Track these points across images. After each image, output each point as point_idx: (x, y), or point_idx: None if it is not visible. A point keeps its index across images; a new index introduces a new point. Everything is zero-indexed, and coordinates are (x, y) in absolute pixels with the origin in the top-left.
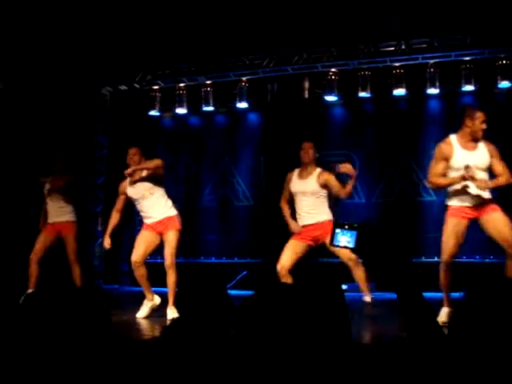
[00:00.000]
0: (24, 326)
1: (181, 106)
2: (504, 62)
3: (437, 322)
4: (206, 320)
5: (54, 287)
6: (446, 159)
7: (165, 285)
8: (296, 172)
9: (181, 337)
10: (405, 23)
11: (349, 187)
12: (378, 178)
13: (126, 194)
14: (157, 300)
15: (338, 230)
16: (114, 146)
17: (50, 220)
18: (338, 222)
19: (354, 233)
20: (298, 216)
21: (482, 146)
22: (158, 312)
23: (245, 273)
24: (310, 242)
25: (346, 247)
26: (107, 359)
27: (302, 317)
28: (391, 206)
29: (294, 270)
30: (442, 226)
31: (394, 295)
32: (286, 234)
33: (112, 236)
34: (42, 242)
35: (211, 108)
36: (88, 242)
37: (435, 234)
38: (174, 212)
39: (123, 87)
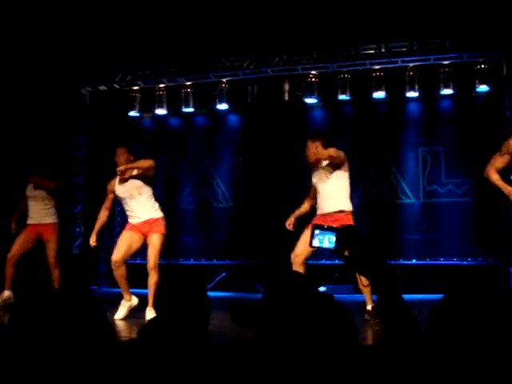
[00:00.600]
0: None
1: (161, 106)
2: (482, 66)
3: (417, 325)
4: (184, 321)
5: (45, 289)
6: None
7: (144, 286)
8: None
9: (158, 338)
10: (385, 27)
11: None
12: (357, 180)
13: (114, 192)
14: (134, 301)
15: (317, 231)
16: (93, 146)
17: (31, 221)
18: (318, 224)
19: (334, 234)
20: (317, 206)
21: None
22: (136, 313)
23: (224, 274)
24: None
25: (324, 248)
26: (97, 360)
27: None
28: (370, 208)
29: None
30: (420, 227)
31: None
32: (265, 236)
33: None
34: (21, 244)
35: (191, 109)
36: (67, 243)
37: (413, 236)
38: (160, 214)
39: (103, 87)
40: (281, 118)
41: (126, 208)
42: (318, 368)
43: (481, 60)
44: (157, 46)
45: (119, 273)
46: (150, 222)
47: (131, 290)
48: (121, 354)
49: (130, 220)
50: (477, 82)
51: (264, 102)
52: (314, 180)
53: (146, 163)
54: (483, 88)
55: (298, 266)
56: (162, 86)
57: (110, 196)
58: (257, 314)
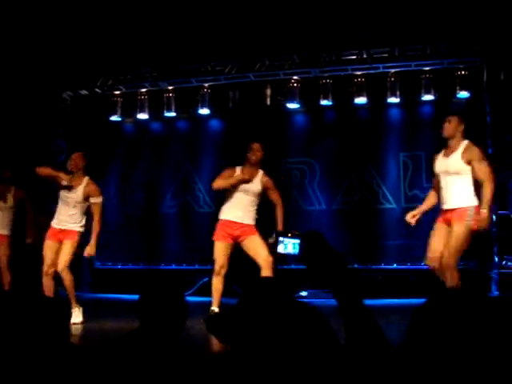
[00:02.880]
0: None
1: (142, 111)
2: (463, 72)
3: (380, 331)
4: (162, 326)
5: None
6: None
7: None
8: (238, 169)
9: (138, 344)
10: (366, 33)
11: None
12: (338, 185)
13: (60, 184)
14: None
15: (281, 238)
16: (73, 150)
17: None
18: (281, 230)
19: (298, 240)
20: (227, 210)
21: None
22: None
23: (206, 279)
24: (231, 241)
25: (290, 255)
26: (59, 366)
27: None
28: (351, 213)
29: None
30: (400, 233)
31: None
32: None
33: None
34: None
35: (173, 114)
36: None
37: (394, 240)
38: (80, 230)
39: (84, 92)
40: (263, 123)
41: (59, 208)
42: (296, 374)
43: (461, 66)
44: (139, 50)
45: (50, 283)
46: (67, 232)
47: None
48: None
49: (54, 222)
50: (457, 88)
51: (246, 106)
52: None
53: (96, 204)
54: (464, 94)
55: (222, 277)
56: (143, 90)
57: (54, 180)
58: (231, 323)
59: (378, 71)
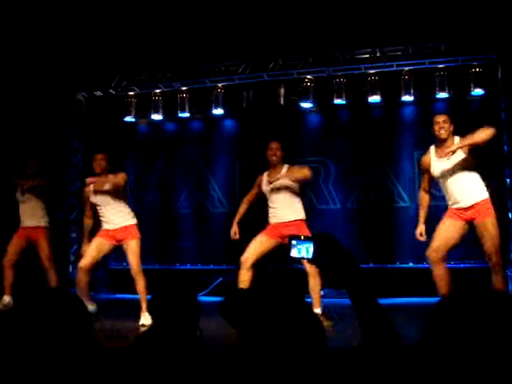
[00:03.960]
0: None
1: (156, 112)
2: (477, 69)
3: (393, 329)
4: (175, 326)
5: (32, 293)
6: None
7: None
8: (265, 174)
9: (152, 344)
10: (380, 31)
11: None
12: (353, 184)
13: (89, 199)
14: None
15: (294, 242)
16: (88, 151)
17: (22, 224)
18: (294, 235)
19: (311, 243)
20: (270, 214)
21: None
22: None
23: (220, 279)
24: (279, 240)
25: (303, 258)
26: (85, 367)
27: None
28: (366, 212)
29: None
30: (415, 231)
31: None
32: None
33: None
34: (14, 247)
35: (187, 114)
36: (62, 249)
37: (410, 239)
38: (134, 221)
39: (98, 93)
40: (276, 122)
41: (101, 215)
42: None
43: (476, 63)
44: (152, 51)
45: (84, 279)
46: (124, 229)
47: (119, 296)
48: (110, 361)
49: (105, 226)
50: (472, 85)
51: (260, 106)
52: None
53: (115, 180)
54: (478, 91)
55: (247, 271)
56: (157, 91)
57: (88, 203)
58: (242, 309)
59: (391, 69)
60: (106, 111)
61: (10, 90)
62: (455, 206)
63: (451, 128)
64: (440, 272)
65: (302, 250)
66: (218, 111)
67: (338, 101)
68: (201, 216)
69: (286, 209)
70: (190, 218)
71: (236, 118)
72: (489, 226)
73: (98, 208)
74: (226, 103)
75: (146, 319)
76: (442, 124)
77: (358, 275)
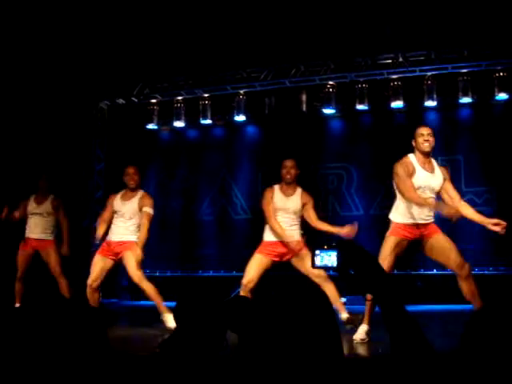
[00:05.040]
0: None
1: (178, 119)
2: (501, 74)
3: (422, 335)
4: (202, 334)
5: (45, 301)
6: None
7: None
8: (277, 188)
9: (178, 351)
10: (402, 36)
11: (324, 227)
12: (376, 190)
13: (112, 205)
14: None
15: (317, 252)
16: (111, 159)
17: (29, 235)
18: (317, 244)
19: (335, 252)
20: (270, 231)
21: (437, 169)
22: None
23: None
24: (275, 258)
25: (328, 267)
26: (105, 375)
27: (291, 331)
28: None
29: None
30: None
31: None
32: None
33: None
34: (22, 261)
35: (209, 121)
36: (85, 256)
37: None
38: (135, 239)
39: (121, 101)
40: (299, 128)
41: (114, 222)
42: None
43: (499, 68)
44: (174, 58)
45: (96, 296)
46: (125, 243)
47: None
48: (140, 368)
49: (110, 235)
50: (496, 90)
51: (282, 113)
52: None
53: (147, 220)
54: (502, 96)
55: (247, 293)
56: (179, 98)
57: (109, 208)
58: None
59: (414, 74)
60: (128, 119)
61: (34, 99)
62: (414, 221)
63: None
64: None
65: (325, 259)
66: (240, 118)
67: (360, 106)
68: (223, 223)
69: (292, 229)
70: (212, 224)
71: (258, 125)
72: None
73: (116, 216)
74: (248, 110)
75: (171, 321)
76: (426, 137)
77: (384, 281)
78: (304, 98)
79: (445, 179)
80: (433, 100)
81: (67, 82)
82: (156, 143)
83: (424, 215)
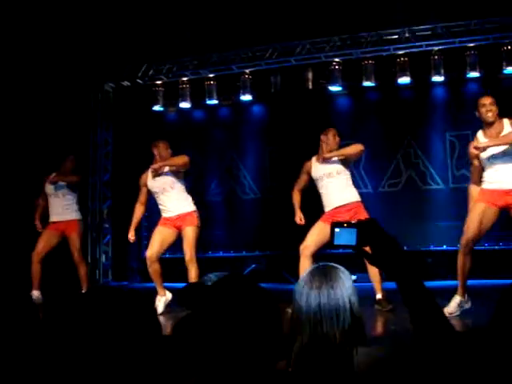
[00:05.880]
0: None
1: (184, 100)
2: (509, 47)
3: (441, 312)
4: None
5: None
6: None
7: (180, 280)
8: (314, 158)
9: (192, 334)
10: (408, 10)
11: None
12: (384, 167)
13: (146, 186)
14: (169, 296)
15: (337, 230)
16: (118, 142)
17: (54, 219)
18: (336, 222)
19: (354, 230)
20: (325, 202)
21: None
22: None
23: (253, 266)
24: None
25: (347, 246)
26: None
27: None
28: (399, 195)
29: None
30: (449, 213)
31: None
32: (293, 226)
33: (120, 233)
34: (44, 241)
35: (215, 101)
36: (95, 239)
37: (443, 222)
38: (192, 208)
39: (126, 83)
40: (305, 106)
41: (159, 202)
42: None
43: (507, 41)
44: (178, 39)
45: (154, 268)
46: (182, 217)
47: (166, 285)
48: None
49: (163, 214)
50: (504, 63)
51: (288, 91)
52: (320, 174)
53: (181, 161)
54: (510, 70)
55: (305, 257)
56: (184, 79)
57: (144, 190)
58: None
59: (420, 49)
60: (134, 101)
61: (38, 83)
62: (496, 187)
63: (497, 111)
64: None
65: (346, 238)
66: (246, 97)
67: (366, 83)
68: (232, 203)
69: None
70: (221, 205)
71: (264, 104)
72: None
73: (156, 195)
74: (254, 89)
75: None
76: (489, 106)
77: (403, 259)
78: (310, 75)
79: None
80: (440, 75)
81: (72, 65)
82: (162, 125)
83: None
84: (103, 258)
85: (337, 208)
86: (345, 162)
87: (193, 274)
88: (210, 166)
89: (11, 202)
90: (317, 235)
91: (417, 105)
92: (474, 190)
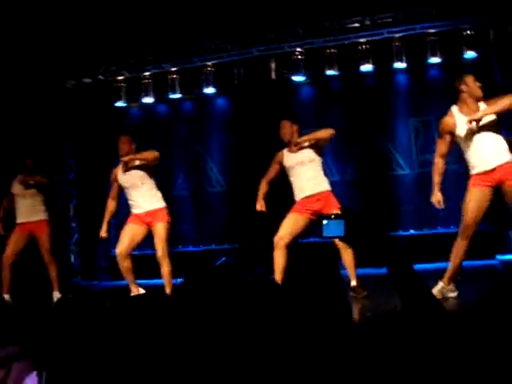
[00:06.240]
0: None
1: (147, 95)
2: (469, 32)
3: (431, 294)
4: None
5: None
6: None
7: (154, 276)
8: (285, 150)
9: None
10: None
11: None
12: (350, 154)
13: (117, 180)
14: (142, 292)
15: (325, 222)
16: (81, 140)
17: (21, 220)
18: (324, 214)
19: (341, 221)
20: (296, 191)
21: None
22: None
23: (223, 259)
24: (311, 216)
25: (335, 237)
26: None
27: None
28: (365, 182)
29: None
30: (415, 198)
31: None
32: (261, 218)
33: (87, 232)
34: (14, 244)
35: (178, 95)
36: (63, 239)
37: (410, 206)
38: (162, 204)
39: (87, 80)
40: (269, 97)
41: (129, 198)
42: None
43: (468, 26)
44: (139, 34)
45: (125, 265)
46: (153, 213)
47: (140, 282)
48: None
49: (133, 210)
50: (464, 48)
51: (251, 82)
52: (292, 163)
53: (151, 155)
54: (471, 54)
55: (280, 248)
56: (147, 74)
57: (115, 185)
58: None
59: (382, 37)
60: (95, 98)
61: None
62: (478, 171)
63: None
64: None
65: (334, 229)
66: (210, 90)
67: (330, 72)
68: (199, 197)
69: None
70: (188, 199)
71: (228, 96)
72: None
73: (126, 190)
74: (217, 81)
75: None
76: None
77: (391, 245)
78: (273, 66)
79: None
80: (402, 62)
81: (32, 62)
82: (126, 121)
83: None
84: (72, 258)
85: (308, 197)
86: (317, 148)
87: (166, 270)
88: (176, 160)
89: None
90: (291, 226)
91: (380, 92)
92: (438, 162)
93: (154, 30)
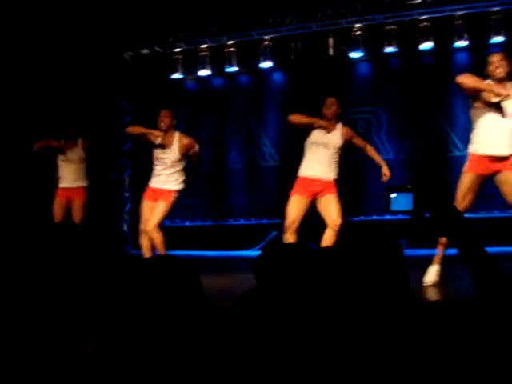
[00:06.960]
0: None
1: (204, 67)
2: None
3: (505, 274)
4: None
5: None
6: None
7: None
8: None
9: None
10: None
11: (375, 156)
12: (405, 133)
13: (153, 143)
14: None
15: (393, 195)
16: (138, 111)
17: (63, 185)
18: (392, 186)
19: (410, 195)
20: (306, 167)
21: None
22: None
23: (275, 233)
24: (310, 198)
25: (403, 211)
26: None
27: (360, 274)
28: (420, 162)
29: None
30: None
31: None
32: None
33: (139, 202)
34: (58, 209)
35: (235, 69)
36: (115, 209)
37: None
38: (176, 187)
39: (145, 51)
40: (326, 73)
41: (157, 169)
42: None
43: None
44: (197, 6)
45: (157, 238)
46: (163, 191)
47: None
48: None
49: (152, 184)
50: None
51: (308, 58)
52: (318, 139)
53: (197, 156)
54: None
55: (293, 232)
56: (204, 46)
57: (151, 139)
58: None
59: (443, 14)
60: (153, 70)
61: (56, 54)
62: (487, 152)
63: (509, 67)
64: None
65: (402, 203)
66: (266, 64)
67: (388, 49)
68: (252, 171)
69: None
70: (241, 173)
71: (284, 71)
72: None
73: (156, 162)
74: (274, 56)
75: None
76: (497, 63)
77: (465, 224)
78: (331, 42)
79: None
80: (463, 40)
81: (90, 34)
82: (182, 93)
83: None
84: (125, 227)
85: (313, 180)
86: (349, 145)
87: (157, 240)
88: (231, 133)
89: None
90: (297, 210)
91: (439, 71)
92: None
93: (212, 3)
